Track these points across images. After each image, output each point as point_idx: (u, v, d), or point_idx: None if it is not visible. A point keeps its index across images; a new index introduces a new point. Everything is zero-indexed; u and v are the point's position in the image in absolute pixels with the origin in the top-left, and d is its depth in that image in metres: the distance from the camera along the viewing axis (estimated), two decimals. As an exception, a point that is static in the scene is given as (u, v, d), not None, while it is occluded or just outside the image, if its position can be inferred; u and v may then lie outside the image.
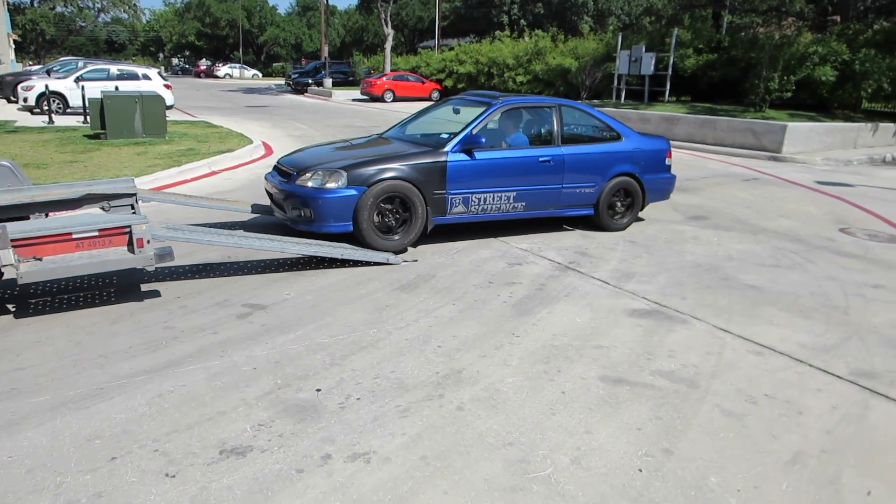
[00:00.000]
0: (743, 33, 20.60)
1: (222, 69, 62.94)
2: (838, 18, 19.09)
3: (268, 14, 73.92)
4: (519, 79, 28.07)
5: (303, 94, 37.79)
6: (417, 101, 32.33)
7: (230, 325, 4.33)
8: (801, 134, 14.16)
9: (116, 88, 17.47)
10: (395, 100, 32.04)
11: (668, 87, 20.05)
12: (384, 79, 33.19)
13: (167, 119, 14.15)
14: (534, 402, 3.39)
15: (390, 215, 5.92)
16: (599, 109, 8.12)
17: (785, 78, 15.71)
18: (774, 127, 14.09)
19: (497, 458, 2.90)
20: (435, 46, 43.23)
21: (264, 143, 13.77)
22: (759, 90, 15.85)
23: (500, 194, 6.42)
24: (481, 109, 6.66)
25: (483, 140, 6.27)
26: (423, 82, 33.62)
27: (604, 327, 4.44)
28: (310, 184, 5.77)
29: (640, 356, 4.00)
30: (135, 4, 69.86)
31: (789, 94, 16.02)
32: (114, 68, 20.54)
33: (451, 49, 36.69)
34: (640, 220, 7.79)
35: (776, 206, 8.92)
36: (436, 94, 33.30)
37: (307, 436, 3.06)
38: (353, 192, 5.69)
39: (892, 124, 16.17)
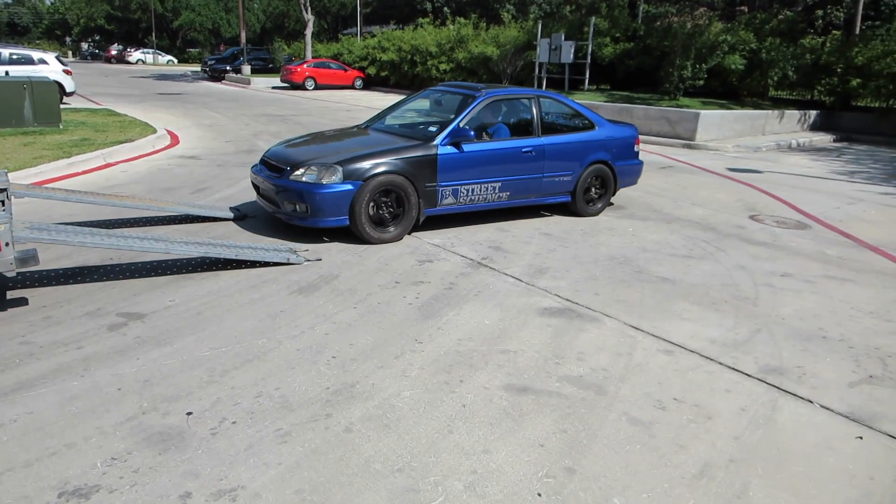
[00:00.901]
0: (658, 22, 20.98)
1: (134, 54, 59.70)
2: (746, 9, 19.67)
3: (182, -3, 70.46)
4: (442, 67, 27.74)
5: (220, 81, 36.24)
6: (340, 90, 31.54)
7: (99, 339, 3.84)
8: (713, 122, 14.49)
9: (7, 74, 16.07)
10: (317, 87, 31.14)
11: (587, 75, 20.22)
12: (305, 66, 32.16)
13: (64, 107, 13.08)
14: (430, 419, 3.10)
15: (385, 208, 6.03)
16: (571, 98, 8.23)
17: (697, 66, 16.05)
18: (688, 115, 14.36)
19: (383, 489, 2.59)
20: (357, 33, 42.32)
21: (170, 133, 12.94)
22: (673, 78, 16.14)
23: (486, 185, 6.60)
24: (467, 101, 6.77)
25: (471, 133, 6.42)
26: (346, 70, 32.80)
27: (513, 329, 4.20)
28: (305, 179, 5.80)
29: (549, 360, 3.78)
30: (35, -16, 65.20)
31: (702, 82, 16.40)
32: (5, 52, 18.83)
33: (374, 36, 35.95)
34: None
35: (689, 195, 8.99)
36: (359, 83, 32.60)
37: (167, 470, 2.66)
38: (349, 186, 5.77)
39: (796, 111, 16.82)
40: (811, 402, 3.47)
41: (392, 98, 27.37)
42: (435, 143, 6.27)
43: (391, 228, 6.08)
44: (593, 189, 7.53)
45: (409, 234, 6.32)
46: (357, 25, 43.42)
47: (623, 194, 8.70)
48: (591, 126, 7.49)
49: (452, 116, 6.60)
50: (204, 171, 9.30)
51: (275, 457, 2.77)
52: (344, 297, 4.63)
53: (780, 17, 18.10)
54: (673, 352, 3.99)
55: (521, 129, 7.10)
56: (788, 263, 6.04)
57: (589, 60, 20.21)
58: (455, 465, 2.76)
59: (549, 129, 7.22)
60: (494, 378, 3.54)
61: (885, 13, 26.53)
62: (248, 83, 33.34)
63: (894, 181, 10.80)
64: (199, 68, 45.50)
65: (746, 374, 3.74)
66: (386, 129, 7.22)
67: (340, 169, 5.77)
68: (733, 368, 3.80)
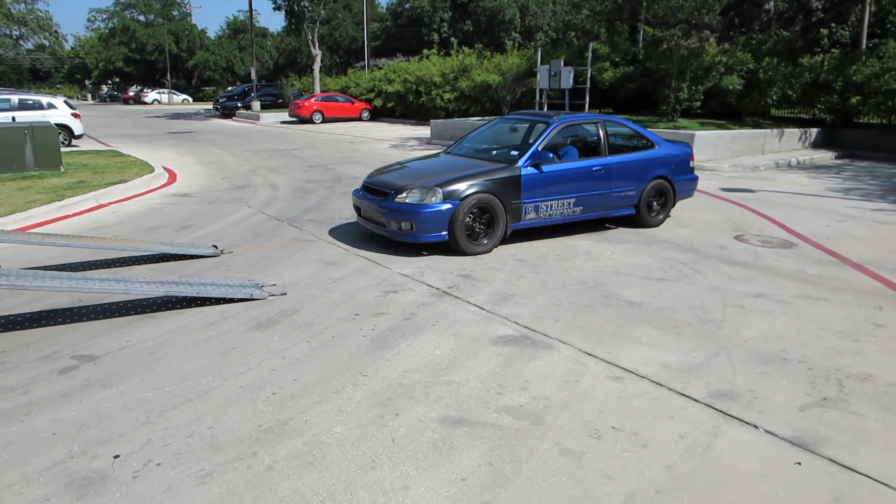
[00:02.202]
0: (665, 45, 21.04)
1: (150, 95, 61.17)
2: (744, 30, 19.70)
3: (196, 38, 72.31)
4: (446, 96, 28.04)
5: (230, 118, 36.98)
6: (347, 122, 32.00)
7: (47, 383, 3.88)
8: (710, 142, 14.43)
9: (13, 119, 16.53)
10: (325, 121, 31.61)
11: (587, 100, 20.29)
12: (313, 100, 32.72)
13: (72, 150, 13.39)
14: (356, 455, 3.07)
15: (478, 223, 6.78)
16: (632, 121, 8.95)
17: (693, 87, 16.04)
18: (683, 136, 14.31)
19: (290, 530, 2.56)
20: (365, 66, 43.02)
21: (169, 171, 13.19)
22: (669, 100, 16.14)
23: (563, 201, 7.36)
24: (543, 127, 7.62)
25: (550, 155, 7.19)
26: (353, 102, 33.29)
27: (462, 358, 4.17)
28: (408, 200, 6.60)
29: (491, 390, 3.73)
30: (56, 31, 67.49)
31: (698, 104, 16.37)
32: (15, 98, 19.46)
33: (381, 69, 36.51)
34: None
35: (676, 215, 8.91)
36: (366, 115, 33.03)
37: (82, 516, 2.66)
38: (448, 205, 6.54)
39: (797, 129, 16.69)
40: (756, 427, 3.38)
41: (397, 128, 27.70)
42: (518, 164, 7.04)
43: (484, 241, 6.83)
44: (655, 202, 8.23)
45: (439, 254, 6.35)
46: (366, 58, 44.14)
47: (607, 218, 8.65)
48: (651, 145, 8.26)
49: (532, 141, 7.45)
50: (193, 208, 9.44)
51: (190, 499, 2.76)
52: (300, 332, 4.64)
53: (777, 37, 18.05)
54: (622, 378, 3.92)
55: (590, 150, 7.85)
56: (764, 284, 5.94)
57: (588, 85, 20.28)
58: (370, 503, 2.72)
59: (614, 149, 7.92)
60: (431, 410, 3.50)
61: (891, 30, 26.39)
62: (258, 119, 33.96)
63: (890, 197, 10.62)
64: (211, 106, 46.45)
65: (694, 400, 3.66)
66: (464, 154, 8.06)
67: (440, 191, 6.55)
68: (681, 394, 3.73)
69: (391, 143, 20.38)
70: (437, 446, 3.15)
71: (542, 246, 7.23)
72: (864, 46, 19.68)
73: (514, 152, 7.50)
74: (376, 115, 33.38)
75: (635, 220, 8.20)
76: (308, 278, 5.93)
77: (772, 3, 19.32)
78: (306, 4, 36.14)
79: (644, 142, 8.28)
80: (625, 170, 7.83)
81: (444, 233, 6.60)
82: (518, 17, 44.93)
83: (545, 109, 21.40)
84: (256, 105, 36.80)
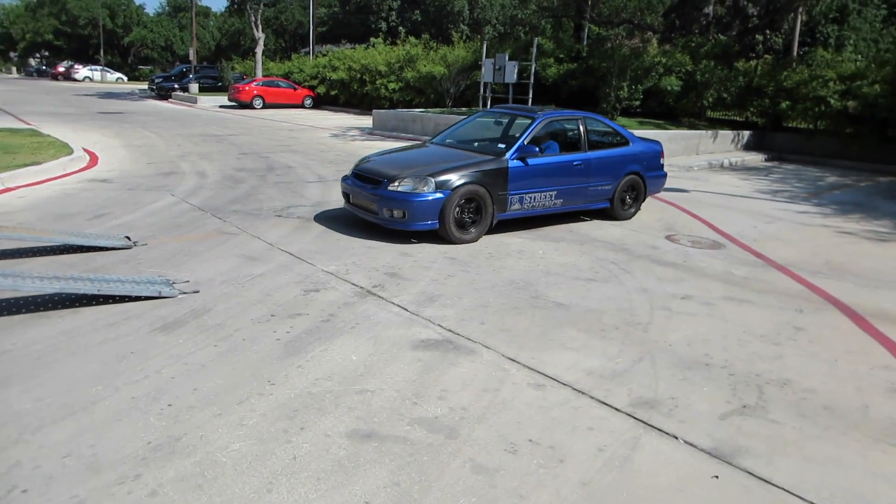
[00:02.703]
0: (609, 45, 21.18)
1: (81, 71, 58.26)
2: (685, 32, 20.07)
3: (133, 14, 69.31)
4: (391, 86, 27.61)
5: (166, 99, 35.52)
6: (289, 109, 31.18)
7: (-88, 391, 3.47)
8: (648, 141, 14.58)
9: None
10: (265, 107, 30.70)
11: (530, 95, 20.31)
12: (253, 84, 31.73)
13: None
14: (252, 476, 2.83)
15: (466, 213, 6.96)
16: (609, 119, 9.69)
17: (634, 87, 16.21)
18: (623, 134, 14.43)
19: (165, 565, 2.30)
20: (310, 52, 42.06)
21: (90, 154, 12.44)
22: (610, 99, 16.28)
23: (545, 193, 7.62)
24: (528, 122, 7.84)
25: (536, 149, 7.43)
26: (296, 89, 32.47)
27: (380, 365, 3.96)
28: (401, 188, 6.75)
29: (407, 400, 3.54)
30: (-24, -1, 63.34)
31: (638, 103, 16.57)
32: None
33: (326, 55, 35.72)
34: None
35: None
36: (308, 102, 32.28)
37: (-75, 552, 2.33)
38: (440, 195, 6.70)
39: (730, 131, 17.10)
40: (676, 437, 3.30)
41: (340, 117, 27.16)
42: (506, 157, 7.25)
43: (472, 230, 7.04)
44: (628, 196, 8.60)
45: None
46: (311, 44, 43.15)
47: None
48: (626, 142, 8.65)
49: (518, 135, 7.63)
50: (111, 195, 8.88)
51: (55, 527, 2.46)
52: (208, 334, 4.33)
53: (715, 41, 18.44)
54: (544, 386, 3.79)
55: (570, 145, 8.19)
56: (692, 285, 5.94)
57: (532, 81, 20.30)
58: (259, 530, 2.49)
59: (593, 145, 8.26)
60: (340, 423, 3.28)
61: (820, 39, 27.50)
62: (195, 102, 32.73)
63: (814, 200, 10.95)
64: (147, 86, 44.58)
65: (615, 409, 3.56)
66: (449, 145, 8.30)
67: (433, 180, 6.72)
68: (603, 402, 3.62)
69: (332, 132, 19.91)
70: (342, 465, 2.93)
71: (474, 244, 7.07)
72: (795, 54, 20.38)
73: (502, 145, 7.68)
74: (319, 103, 32.66)
75: (609, 213, 8.57)
76: (225, 274, 5.60)
77: (711, 8, 19.72)
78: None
79: (619, 139, 8.67)
80: (602, 165, 8.16)
81: (434, 221, 6.77)
82: (467, 10, 44.75)
83: (489, 103, 21.34)
84: (194, 87, 35.48)
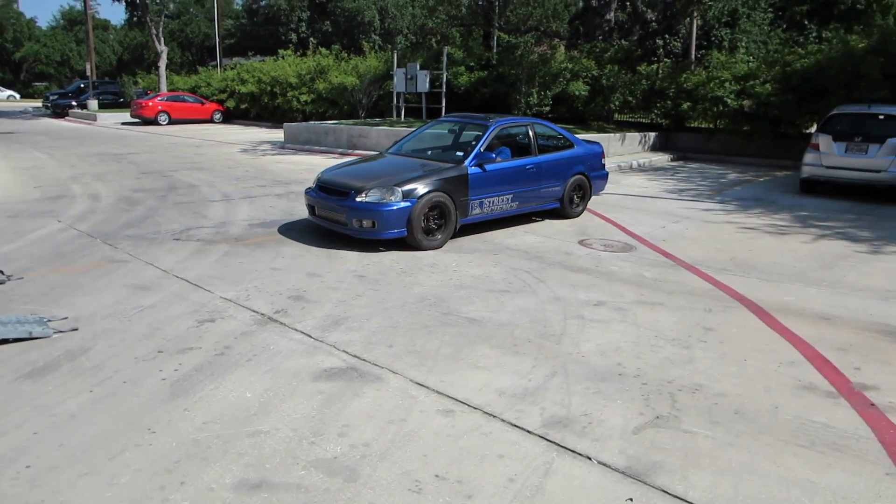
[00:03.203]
0: (520, 52, 21.39)
1: (-33, 91, 54.21)
2: (588, 39, 20.57)
3: (24, 27, 65.06)
4: (303, 98, 26.98)
5: (63, 117, 33.46)
6: (198, 124, 29.96)
7: None
8: (559, 146, 14.77)
9: None
10: (171, 122, 29.41)
11: (443, 104, 20.30)
12: (158, 99, 30.36)
13: None
14: (118, 547, 2.47)
15: (432, 220, 7.19)
16: (549, 122, 9.84)
17: (543, 93, 16.42)
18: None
19: None
20: (218, 65, 40.70)
21: (-33, 181, 11.39)
22: (520, 105, 16.43)
23: (503, 197, 7.99)
24: (481, 130, 8.14)
25: (493, 155, 7.80)
26: (203, 103, 31.27)
27: (276, 401, 3.65)
28: (368, 199, 6.94)
29: (304, 440, 3.25)
30: None
31: (548, 108, 16.80)
32: None
33: (234, 68, 34.60)
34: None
35: (524, 221, 8.84)
36: (218, 116, 31.15)
37: None
38: (407, 203, 6.93)
39: (637, 133, 17.61)
40: (589, 458, 3.16)
41: (251, 131, 26.33)
42: (465, 164, 7.57)
43: (438, 236, 7.27)
44: (575, 196, 9.11)
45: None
46: (217, 57, 41.74)
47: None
48: (571, 145, 9.12)
49: (474, 142, 7.92)
50: (-14, 225, 8.09)
51: None
52: (83, 378, 3.89)
53: (617, 46, 18.98)
54: (454, 412, 3.58)
55: (521, 150, 8.56)
56: (605, 290, 5.91)
57: (444, 89, 20.30)
58: None
59: (542, 149, 8.69)
60: (227, 473, 2.95)
61: (715, 42, 28.93)
62: (95, 119, 30.96)
63: (717, 197, 11.34)
64: (41, 104, 41.87)
65: (527, 432, 3.39)
66: (406, 154, 8.50)
67: (399, 189, 6.94)
68: (515, 425, 3.45)
69: (242, 147, 19.21)
70: (226, 523, 2.62)
71: (386, 258, 6.83)
72: (693, 56, 21.28)
73: (460, 153, 8.01)
74: (230, 117, 31.58)
75: (559, 213, 9.03)
76: (110, 308, 5.11)
77: (612, 14, 20.31)
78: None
79: (565, 142, 9.13)
80: (552, 168, 8.61)
81: (402, 229, 6.98)
82: (378, 20, 44.51)
83: (402, 113, 21.18)
84: (94, 104, 33.60)
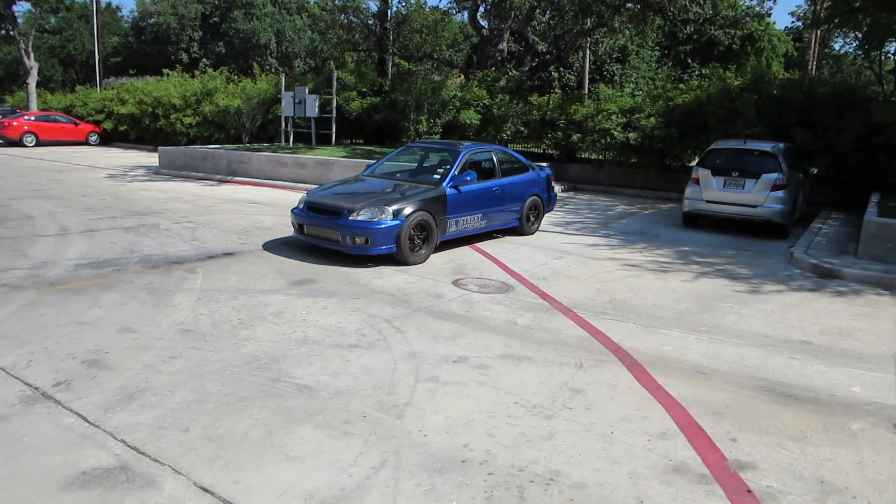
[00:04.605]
0: (414, 79, 20.95)
1: None
2: (481, 67, 20.44)
3: None
4: (188, 120, 25.31)
5: None
6: (70, 146, 27.57)
7: None
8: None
9: None
10: (39, 144, 26.98)
11: (334, 129, 19.48)
12: (24, 119, 27.82)
13: None
14: None
15: (416, 237, 7.81)
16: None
17: (433, 120, 15.96)
18: (423, 170, 14.00)
19: None
20: (98, 84, 38.00)
21: None
22: (410, 133, 15.89)
23: (474, 215, 8.83)
24: (455, 154, 8.94)
25: (466, 177, 8.59)
26: (77, 124, 28.90)
27: (-12, 531, 2.67)
28: (361, 218, 7.48)
29: None
30: None
31: (438, 136, 16.33)
32: None
33: (114, 88, 32.29)
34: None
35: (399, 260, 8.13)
36: (94, 138, 28.86)
37: None
38: (396, 222, 7.53)
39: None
40: None
41: (129, 155, 24.47)
42: (443, 185, 8.34)
43: (422, 252, 7.92)
44: (531, 215, 10.08)
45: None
46: (97, 75, 39.00)
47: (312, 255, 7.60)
48: (526, 168, 10.09)
49: (448, 167, 8.65)
50: None
51: None
52: None
53: (509, 75, 18.90)
54: (237, 532, 2.74)
55: (487, 173, 9.34)
56: (469, 342, 5.25)
57: (335, 115, 19.51)
58: None
59: (504, 172, 9.57)
60: None
61: (606, 76, 29.88)
62: (-53, 141, 27.83)
63: (602, 231, 11.10)
64: None
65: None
66: (384, 177, 9.23)
67: (389, 209, 7.55)
68: (314, 549, 2.64)
69: (110, 172, 17.55)
70: None
71: (233, 302, 5.89)
72: (586, 89, 21.61)
73: (436, 175, 8.74)
74: (109, 140, 29.34)
75: (518, 231, 9.95)
76: None
77: (505, 45, 20.30)
78: (28, 9, 30.88)
79: (521, 166, 10.05)
80: (513, 189, 9.53)
81: (392, 245, 7.53)
82: (274, 43, 43.27)
83: (290, 139, 20.15)
84: (-54, 123, 30.23)
